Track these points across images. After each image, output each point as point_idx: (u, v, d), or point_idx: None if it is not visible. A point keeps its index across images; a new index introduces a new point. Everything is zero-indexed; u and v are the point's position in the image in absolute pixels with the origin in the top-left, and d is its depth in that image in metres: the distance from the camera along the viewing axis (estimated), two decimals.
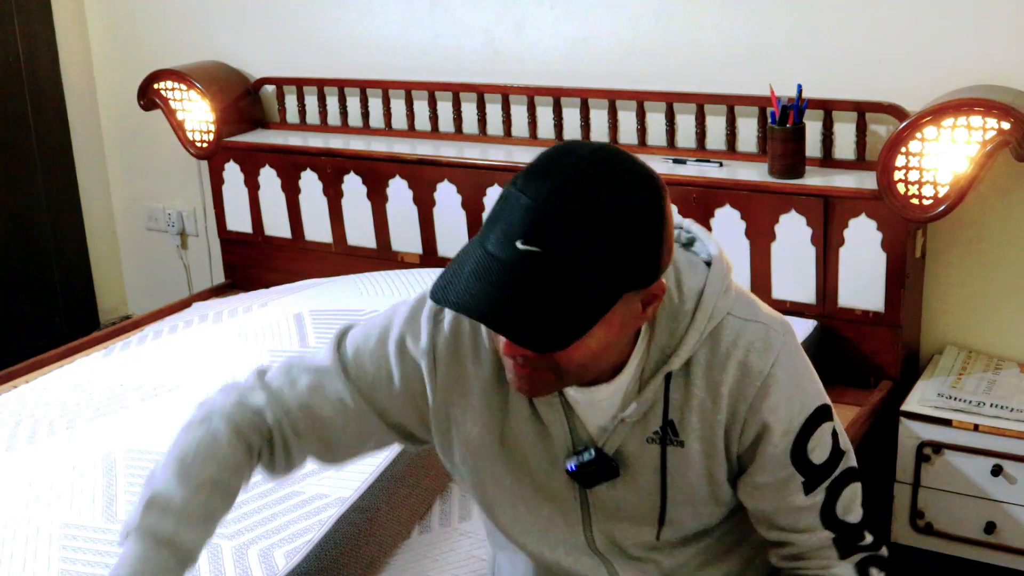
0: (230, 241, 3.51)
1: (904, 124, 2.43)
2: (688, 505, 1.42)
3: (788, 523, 1.41)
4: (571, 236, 1.17)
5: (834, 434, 1.40)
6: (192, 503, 1.40)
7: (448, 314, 1.42)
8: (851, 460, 1.42)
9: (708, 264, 1.39)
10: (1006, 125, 2.32)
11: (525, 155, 2.96)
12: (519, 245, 1.17)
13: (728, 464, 1.40)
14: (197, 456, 1.43)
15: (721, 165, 2.76)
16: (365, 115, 3.30)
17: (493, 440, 1.43)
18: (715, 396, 1.35)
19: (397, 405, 1.46)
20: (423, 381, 1.43)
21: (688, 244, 1.43)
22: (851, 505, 1.42)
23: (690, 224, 1.45)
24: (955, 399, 2.47)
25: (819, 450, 1.38)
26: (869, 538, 1.43)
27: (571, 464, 1.40)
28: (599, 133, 2.96)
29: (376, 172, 3.15)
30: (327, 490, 1.96)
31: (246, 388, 1.49)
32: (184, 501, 1.39)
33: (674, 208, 1.31)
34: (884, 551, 1.45)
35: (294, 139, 3.34)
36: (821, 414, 1.39)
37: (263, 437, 1.47)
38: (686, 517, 1.43)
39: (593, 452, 1.39)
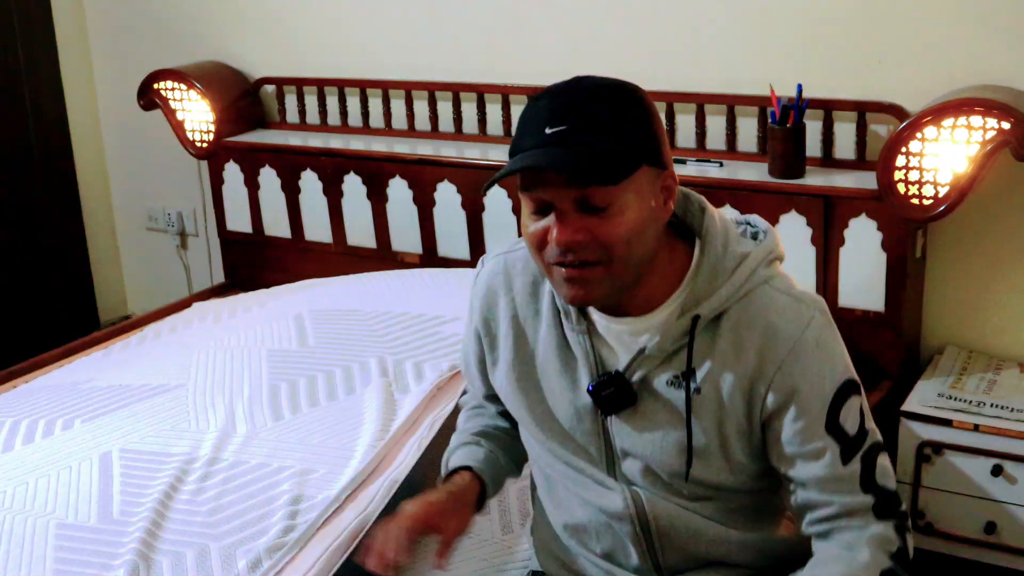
0: (230, 241, 3.51)
1: (904, 124, 2.42)
2: (699, 456, 1.47)
3: (826, 490, 1.45)
4: (588, 113, 1.38)
5: (861, 411, 1.47)
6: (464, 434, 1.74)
7: (490, 262, 1.65)
8: (877, 436, 1.48)
9: None
10: (1006, 125, 2.31)
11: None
12: (547, 131, 1.37)
13: (748, 425, 1.45)
14: (469, 421, 1.78)
15: (721, 165, 2.75)
16: (365, 115, 3.30)
17: (525, 369, 1.58)
18: (739, 353, 1.43)
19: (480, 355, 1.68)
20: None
21: (754, 237, 1.54)
22: (887, 472, 1.47)
23: (757, 220, 1.57)
24: (955, 399, 2.47)
25: (850, 421, 1.45)
26: (904, 506, 1.48)
27: (590, 384, 1.49)
28: None
29: (376, 172, 3.15)
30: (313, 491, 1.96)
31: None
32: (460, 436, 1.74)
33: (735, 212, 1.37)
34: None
35: (294, 139, 3.34)
36: (850, 387, 1.46)
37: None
38: (697, 468, 1.48)
39: (612, 373, 1.48)
